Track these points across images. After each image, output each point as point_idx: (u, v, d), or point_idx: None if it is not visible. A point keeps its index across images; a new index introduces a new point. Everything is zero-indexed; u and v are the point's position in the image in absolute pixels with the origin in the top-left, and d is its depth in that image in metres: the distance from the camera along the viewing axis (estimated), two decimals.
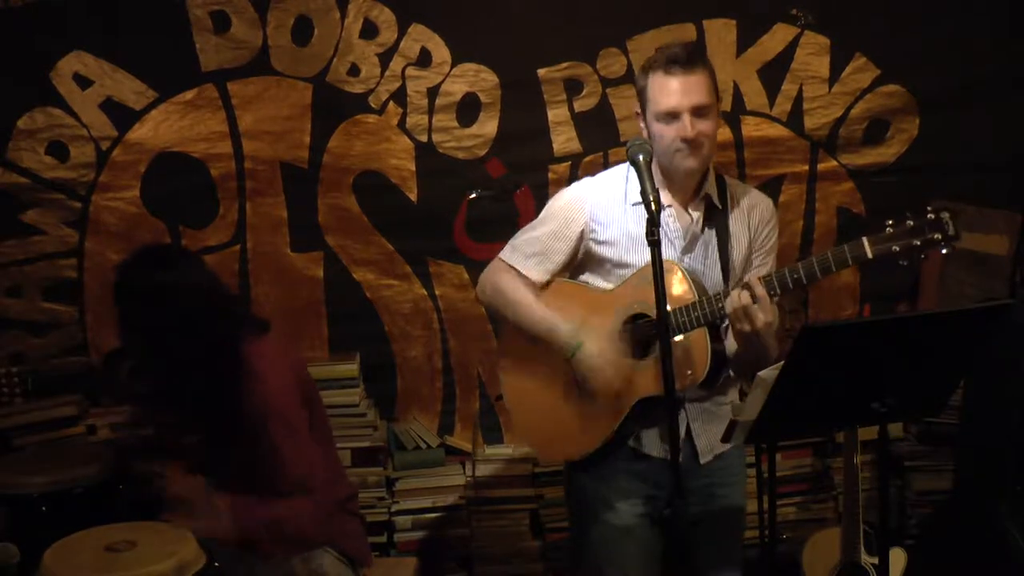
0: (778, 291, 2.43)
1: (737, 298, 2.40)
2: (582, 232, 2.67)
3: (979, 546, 3.40)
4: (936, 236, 2.30)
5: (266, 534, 2.66)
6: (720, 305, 2.47)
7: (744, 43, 3.79)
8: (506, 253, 2.76)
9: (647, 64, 2.58)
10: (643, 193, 2.29)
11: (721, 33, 3.78)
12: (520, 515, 3.78)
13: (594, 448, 2.66)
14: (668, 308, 2.43)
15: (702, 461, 2.66)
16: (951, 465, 3.73)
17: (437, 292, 3.86)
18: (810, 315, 3.90)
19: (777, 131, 3.85)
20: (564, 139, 3.80)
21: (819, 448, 3.85)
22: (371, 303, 3.87)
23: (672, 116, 2.51)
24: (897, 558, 3.44)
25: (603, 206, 2.66)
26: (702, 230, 2.62)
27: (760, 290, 2.39)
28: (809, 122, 3.84)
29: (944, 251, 2.32)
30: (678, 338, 2.51)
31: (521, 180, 3.80)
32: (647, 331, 2.58)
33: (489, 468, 3.82)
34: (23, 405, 3.63)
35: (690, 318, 2.50)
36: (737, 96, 3.82)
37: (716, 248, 2.62)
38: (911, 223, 2.32)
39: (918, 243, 2.31)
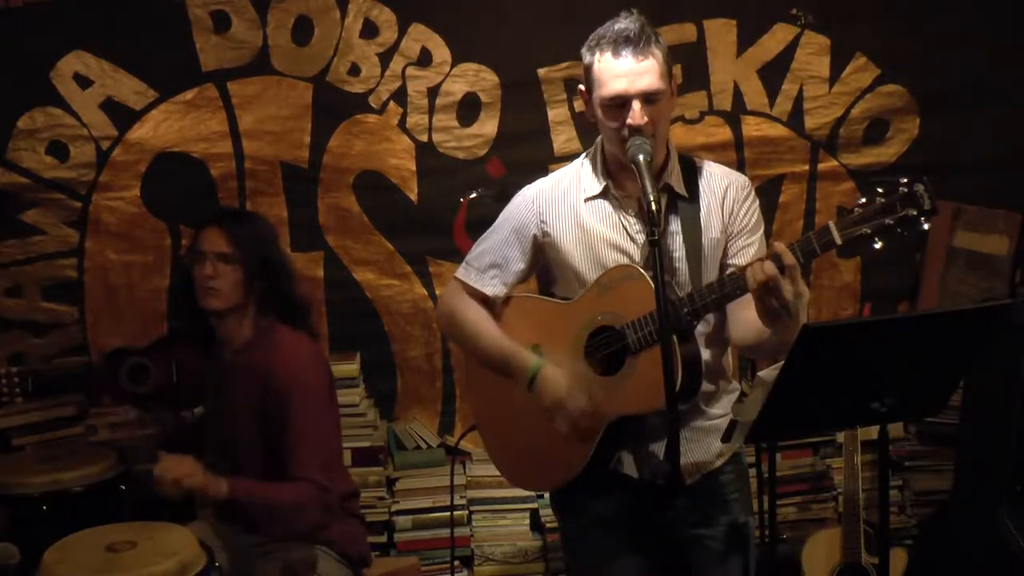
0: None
1: (760, 270, 2.12)
2: (535, 236, 2.45)
3: (979, 546, 3.40)
4: (911, 212, 2.05)
5: (265, 513, 2.67)
6: (696, 304, 2.23)
7: (744, 43, 3.79)
8: (461, 271, 2.54)
9: (595, 39, 2.33)
10: (643, 192, 2.17)
11: (721, 33, 3.78)
12: (520, 515, 3.78)
13: (570, 478, 2.43)
14: (631, 319, 2.28)
15: (688, 482, 2.40)
16: (951, 465, 3.73)
17: (437, 292, 3.85)
18: (810, 315, 3.90)
19: (777, 131, 3.85)
20: (564, 139, 3.80)
21: (819, 448, 3.85)
22: (371, 303, 3.87)
23: (620, 102, 2.27)
24: (897, 558, 3.45)
25: (555, 205, 2.44)
26: (665, 224, 2.36)
27: (790, 258, 2.10)
28: (809, 122, 3.84)
29: (925, 227, 2.07)
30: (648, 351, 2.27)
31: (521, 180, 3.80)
32: (614, 344, 2.33)
33: (489, 468, 3.80)
34: (23, 405, 3.62)
35: (655, 327, 2.25)
36: (737, 96, 3.82)
37: (682, 242, 2.36)
38: (882, 200, 2.07)
39: (891, 222, 2.06)
